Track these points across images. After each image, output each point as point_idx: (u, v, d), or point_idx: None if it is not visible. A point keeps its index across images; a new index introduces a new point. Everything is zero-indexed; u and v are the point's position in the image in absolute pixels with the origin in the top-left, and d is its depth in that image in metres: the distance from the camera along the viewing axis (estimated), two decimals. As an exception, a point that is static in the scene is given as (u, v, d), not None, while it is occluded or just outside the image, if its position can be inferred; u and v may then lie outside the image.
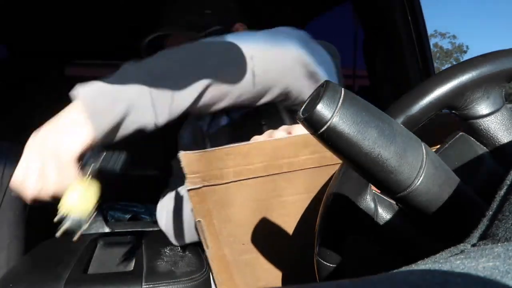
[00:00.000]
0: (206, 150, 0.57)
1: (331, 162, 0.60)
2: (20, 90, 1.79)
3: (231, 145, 0.58)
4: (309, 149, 0.59)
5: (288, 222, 0.65)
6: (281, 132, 0.65)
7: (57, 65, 1.96)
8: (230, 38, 0.72)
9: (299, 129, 0.64)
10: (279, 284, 0.70)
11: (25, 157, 0.62)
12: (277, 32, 0.78)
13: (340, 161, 0.59)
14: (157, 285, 0.76)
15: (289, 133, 0.65)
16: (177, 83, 0.66)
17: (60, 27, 1.76)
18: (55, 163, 0.60)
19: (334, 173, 0.44)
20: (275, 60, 0.73)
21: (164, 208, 0.97)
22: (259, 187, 0.61)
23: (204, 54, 0.69)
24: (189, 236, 0.92)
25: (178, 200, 0.91)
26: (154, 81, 0.64)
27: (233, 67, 0.70)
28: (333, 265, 0.43)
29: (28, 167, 0.61)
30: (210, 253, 0.67)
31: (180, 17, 0.99)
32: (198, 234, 0.68)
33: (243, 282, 0.70)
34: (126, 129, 0.65)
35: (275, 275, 0.70)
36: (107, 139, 0.64)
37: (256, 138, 0.65)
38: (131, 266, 0.84)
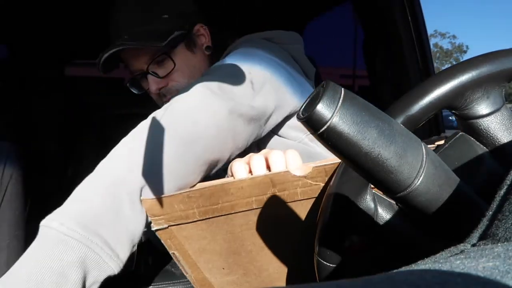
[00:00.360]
0: (166, 195, 0.55)
1: (301, 198, 0.58)
2: (20, 90, 1.79)
3: (193, 188, 0.57)
4: (278, 188, 0.57)
5: (264, 248, 0.64)
6: (259, 157, 0.59)
7: (57, 65, 1.96)
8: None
9: (276, 155, 0.59)
10: None
11: None
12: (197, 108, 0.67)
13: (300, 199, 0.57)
14: (157, 286, 0.76)
15: (266, 158, 0.59)
16: (115, 212, 0.57)
17: (60, 27, 1.76)
18: None
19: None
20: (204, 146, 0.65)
21: None
22: (228, 223, 0.60)
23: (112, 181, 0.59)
24: None
25: None
26: (91, 224, 0.54)
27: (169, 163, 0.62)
28: (333, 265, 0.42)
29: None
30: (190, 277, 0.66)
31: (136, 26, 0.87)
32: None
33: None
34: None
35: None
36: None
37: (236, 160, 0.61)
38: (131, 266, 0.84)
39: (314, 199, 0.58)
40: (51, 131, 1.86)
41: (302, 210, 0.60)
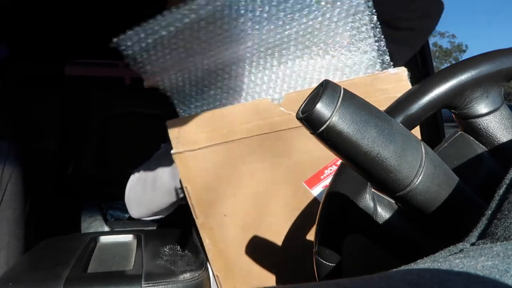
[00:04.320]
0: (185, 116, 0.67)
1: (281, 128, 0.69)
2: (20, 89, 1.79)
3: (201, 113, 0.69)
4: (261, 115, 0.67)
5: (259, 192, 0.72)
6: None
7: (57, 65, 1.96)
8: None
9: None
10: (267, 260, 0.75)
11: None
12: None
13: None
14: (156, 284, 0.76)
15: None
16: None
17: (60, 26, 1.76)
18: None
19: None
20: None
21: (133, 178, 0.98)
22: (225, 154, 0.69)
23: None
24: (147, 210, 0.96)
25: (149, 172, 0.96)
26: None
27: None
28: (332, 264, 0.43)
29: None
30: (198, 223, 0.74)
31: None
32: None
33: (234, 258, 0.75)
34: None
35: (262, 252, 0.75)
36: None
37: None
38: (131, 265, 0.84)
39: (291, 129, 0.68)
40: (51, 130, 1.85)
41: (285, 144, 0.70)
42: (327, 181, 0.71)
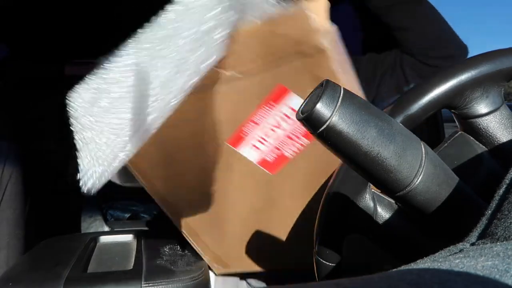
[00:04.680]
0: None
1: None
2: (20, 89, 1.79)
3: None
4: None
5: (183, 143, 0.72)
6: None
7: (57, 64, 1.96)
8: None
9: None
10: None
11: None
12: None
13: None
14: (156, 284, 0.76)
15: None
16: None
17: (60, 26, 1.76)
18: None
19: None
20: None
21: None
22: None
23: None
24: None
25: None
26: None
27: None
28: (332, 264, 0.43)
29: None
30: (149, 191, 0.76)
31: None
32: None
33: (194, 216, 0.79)
34: None
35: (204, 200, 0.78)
36: None
37: None
38: (131, 265, 0.84)
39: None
40: (50, 130, 1.85)
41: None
42: (253, 141, 0.68)
